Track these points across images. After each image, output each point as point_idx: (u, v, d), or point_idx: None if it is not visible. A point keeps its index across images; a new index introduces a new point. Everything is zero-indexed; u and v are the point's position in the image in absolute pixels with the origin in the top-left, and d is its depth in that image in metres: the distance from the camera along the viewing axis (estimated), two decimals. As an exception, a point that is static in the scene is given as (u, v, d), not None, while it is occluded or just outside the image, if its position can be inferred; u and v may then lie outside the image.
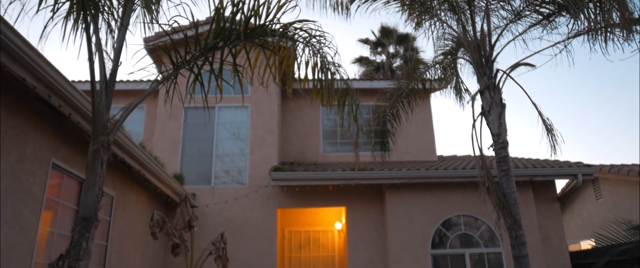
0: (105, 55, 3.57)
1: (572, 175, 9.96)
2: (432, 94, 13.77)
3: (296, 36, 5.12)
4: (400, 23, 31.19)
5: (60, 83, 4.37)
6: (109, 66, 3.59)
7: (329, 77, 5.53)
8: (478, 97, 8.40)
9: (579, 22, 6.41)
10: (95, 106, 3.40)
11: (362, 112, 13.24)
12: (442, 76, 10.33)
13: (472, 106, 8.17)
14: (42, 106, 4.92)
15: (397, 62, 29.00)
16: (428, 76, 10.29)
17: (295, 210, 11.81)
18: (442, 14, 9.24)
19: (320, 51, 5.32)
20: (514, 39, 7.79)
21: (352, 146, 12.85)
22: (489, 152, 8.17)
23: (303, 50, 5.30)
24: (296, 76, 5.36)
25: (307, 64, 5.43)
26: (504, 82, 8.13)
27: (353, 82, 13.21)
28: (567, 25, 7.03)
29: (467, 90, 10.55)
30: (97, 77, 3.57)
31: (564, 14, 6.80)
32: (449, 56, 10.06)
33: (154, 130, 11.44)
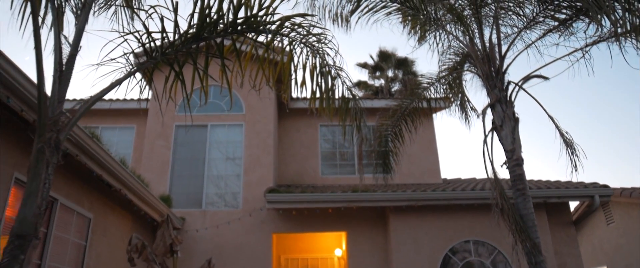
0: (62, 38, 2.97)
1: (588, 197, 9.31)
2: (435, 115, 13.26)
3: (293, 34, 4.56)
4: (399, 46, 30.96)
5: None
6: (66, 51, 3.00)
7: (329, 81, 4.95)
8: (488, 112, 7.87)
9: (601, 27, 5.91)
10: (41, 95, 2.76)
11: (362, 131, 12.66)
12: (448, 91, 9.81)
13: (483, 121, 7.61)
14: None
15: (396, 87, 28.72)
16: (432, 92, 9.77)
17: (292, 235, 11.07)
18: (448, 25, 8.78)
19: (320, 51, 4.75)
20: (526, 48, 7.28)
21: (352, 168, 12.22)
22: (502, 172, 7.57)
23: (301, 50, 4.74)
24: (293, 79, 4.77)
25: (304, 66, 4.86)
26: (516, 95, 7.60)
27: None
28: (584, 32, 6.54)
29: (474, 109, 10.03)
30: (51, 67, 2.97)
31: (582, 18, 6.30)
32: (454, 73, 9.57)
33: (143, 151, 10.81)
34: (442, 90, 9.81)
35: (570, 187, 9.32)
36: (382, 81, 29.55)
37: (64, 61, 3.01)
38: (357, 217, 9.69)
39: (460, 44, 8.98)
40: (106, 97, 13.15)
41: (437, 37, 9.00)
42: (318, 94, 4.93)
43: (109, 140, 11.86)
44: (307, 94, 4.91)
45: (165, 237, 5.40)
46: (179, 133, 10.39)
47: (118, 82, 3.09)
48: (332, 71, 5.03)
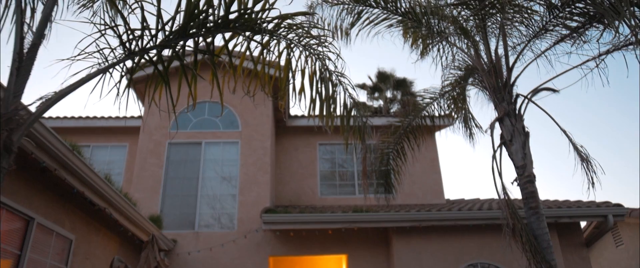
0: (25, 27, 2.59)
1: (600, 216, 8.86)
2: (438, 133, 12.88)
3: (291, 35, 4.19)
4: (398, 67, 30.84)
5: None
6: (29, 40, 2.61)
7: (330, 88, 4.57)
8: (496, 126, 7.49)
9: (617, 34, 5.57)
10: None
11: (365, 143, 12.25)
12: (451, 107, 9.45)
13: (492, 135, 7.22)
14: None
15: (395, 107, 28.51)
16: (435, 107, 9.41)
17: (289, 259, 10.54)
18: (452, 38, 8.47)
19: (320, 55, 4.39)
20: (536, 59, 6.95)
21: (352, 189, 11.76)
22: (512, 190, 7.15)
23: (300, 53, 4.36)
24: (290, 85, 4.38)
25: (303, 71, 4.48)
26: (526, 108, 7.23)
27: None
28: (597, 40, 6.20)
29: (478, 126, 9.67)
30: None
31: (596, 25, 5.97)
32: (457, 88, 9.23)
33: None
34: (445, 106, 9.46)
35: (582, 206, 8.87)
36: (381, 102, 29.38)
37: (25, 50, 2.61)
38: (358, 239, 9.20)
39: (464, 57, 8.67)
40: (98, 114, 12.76)
41: (440, 50, 8.69)
42: (318, 103, 4.54)
43: (100, 159, 11.43)
44: (305, 102, 4.52)
45: (150, 259, 4.93)
46: (172, 150, 9.96)
47: (89, 78, 2.69)
48: (333, 77, 4.65)
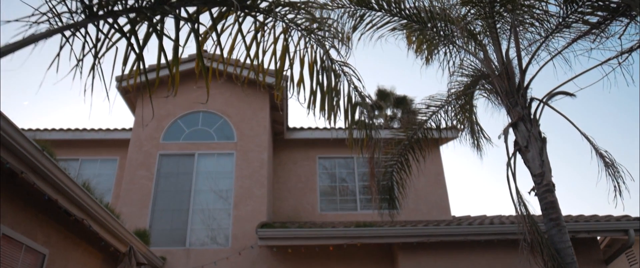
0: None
1: (621, 231, 8.26)
2: (442, 147, 12.38)
3: (290, 16, 3.70)
4: (398, 84, 30.60)
5: None
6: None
7: (333, 79, 4.06)
8: (509, 133, 6.98)
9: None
10: None
11: (362, 164, 11.69)
12: (458, 115, 8.96)
13: (505, 141, 6.70)
14: None
15: (395, 125, 28.13)
16: (441, 116, 8.93)
17: (287, 279, 9.87)
18: (459, 40, 8.03)
19: (321, 39, 3.89)
20: (552, 58, 6.47)
21: (353, 204, 11.17)
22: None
23: (299, 39, 3.87)
24: (286, 73, 3.88)
25: (302, 60, 3.98)
26: (541, 112, 6.73)
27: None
28: (619, 37, 5.74)
29: (487, 138, 9.18)
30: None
31: (619, 19, 5.51)
32: (464, 97, 8.76)
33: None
34: (452, 115, 8.98)
35: (600, 220, 8.30)
36: (381, 120, 29.04)
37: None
38: (361, 256, 8.58)
39: (473, 62, 8.23)
40: (88, 126, 12.21)
41: (447, 54, 8.25)
42: (319, 96, 4.03)
43: (89, 172, 10.86)
44: (305, 94, 4.00)
45: (127, 274, 4.35)
46: (163, 162, 9.40)
47: (35, 39, 2.17)
48: (336, 67, 4.15)
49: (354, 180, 11.30)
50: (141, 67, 2.97)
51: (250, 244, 8.42)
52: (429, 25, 7.99)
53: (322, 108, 3.96)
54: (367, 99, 4.16)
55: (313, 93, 3.99)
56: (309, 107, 3.95)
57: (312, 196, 11.11)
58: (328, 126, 3.93)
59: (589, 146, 6.15)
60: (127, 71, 2.95)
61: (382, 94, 28.56)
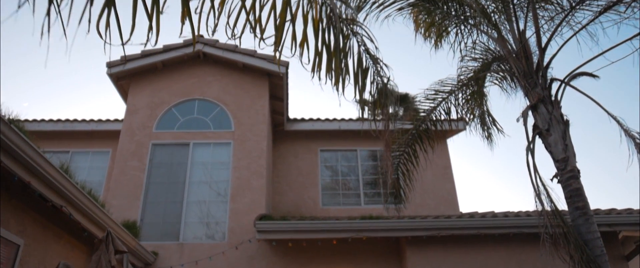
0: None
1: (645, 225, 7.73)
2: (450, 140, 11.86)
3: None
4: (400, 83, 30.12)
5: None
6: None
7: (341, 40, 3.54)
8: (523, 120, 6.46)
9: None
10: None
11: (366, 157, 11.17)
12: (470, 102, 8.45)
13: (525, 125, 6.20)
14: None
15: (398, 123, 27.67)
16: (451, 101, 8.43)
17: (287, 276, 9.33)
18: (471, 20, 7.52)
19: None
20: (575, 34, 5.94)
21: (357, 199, 10.64)
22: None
23: (301, -11, 3.35)
24: (289, 33, 3.35)
25: (306, 17, 3.46)
26: (562, 93, 6.21)
27: (353, 123, 11.10)
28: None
29: (500, 130, 8.68)
30: None
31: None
32: (474, 84, 8.26)
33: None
34: (462, 102, 8.47)
35: (622, 213, 7.77)
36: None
37: None
38: (366, 251, 8.04)
39: (486, 43, 7.72)
40: (79, 117, 11.67)
41: (459, 35, 7.74)
42: (325, 57, 3.51)
43: (80, 165, 10.34)
44: (309, 55, 3.48)
45: (103, 261, 3.80)
46: (156, 152, 8.87)
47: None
48: (344, 27, 3.63)
49: (358, 173, 10.78)
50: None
51: (247, 238, 7.88)
52: (439, 3, 7.50)
53: (328, 71, 3.44)
54: (381, 63, 3.63)
55: (318, 54, 3.47)
56: (313, 70, 3.43)
57: (314, 190, 10.60)
58: (336, 91, 3.39)
59: (616, 128, 5.62)
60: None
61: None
